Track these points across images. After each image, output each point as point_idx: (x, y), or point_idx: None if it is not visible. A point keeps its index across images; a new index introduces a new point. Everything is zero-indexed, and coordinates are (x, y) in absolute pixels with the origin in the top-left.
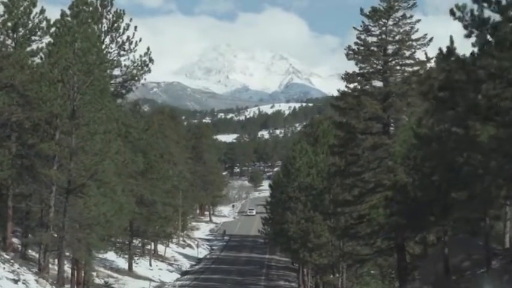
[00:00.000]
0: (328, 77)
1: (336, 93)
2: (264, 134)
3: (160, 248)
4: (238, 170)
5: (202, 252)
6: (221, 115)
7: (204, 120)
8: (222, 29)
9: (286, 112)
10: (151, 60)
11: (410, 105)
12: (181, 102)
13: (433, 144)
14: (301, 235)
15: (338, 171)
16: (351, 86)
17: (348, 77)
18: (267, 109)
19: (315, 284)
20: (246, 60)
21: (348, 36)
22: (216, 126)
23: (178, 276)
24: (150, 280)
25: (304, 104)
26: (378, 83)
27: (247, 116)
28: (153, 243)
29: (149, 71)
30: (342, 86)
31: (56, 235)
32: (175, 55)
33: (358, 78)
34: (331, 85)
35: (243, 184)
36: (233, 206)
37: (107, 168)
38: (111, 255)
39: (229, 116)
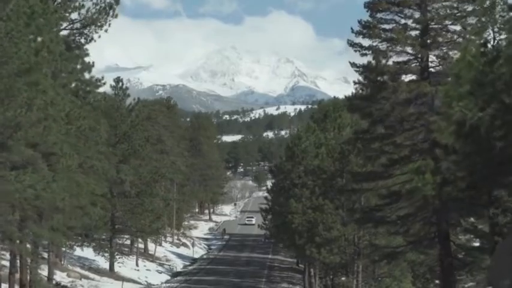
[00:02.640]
0: (334, 80)
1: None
2: (269, 134)
3: (153, 248)
4: (242, 169)
5: (198, 251)
6: (226, 117)
7: None
8: (228, 32)
9: (292, 114)
10: (117, 2)
11: (456, 42)
12: (186, 104)
13: None
14: (307, 227)
15: (359, 134)
16: (378, 16)
17: (373, 5)
18: (272, 111)
19: (324, 286)
20: (252, 63)
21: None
22: (221, 127)
23: (168, 277)
24: (123, 281)
25: (310, 106)
26: (414, 13)
27: (253, 118)
28: (142, 241)
29: (115, 15)
30: (348, 89)
31: None
32: (181, 58)
33: (387, 5)
34: (337, 88)
35: (246, 183)
36: (235, 205)
37: (43, 126)
38: (91, 254)
39: (234, 117)
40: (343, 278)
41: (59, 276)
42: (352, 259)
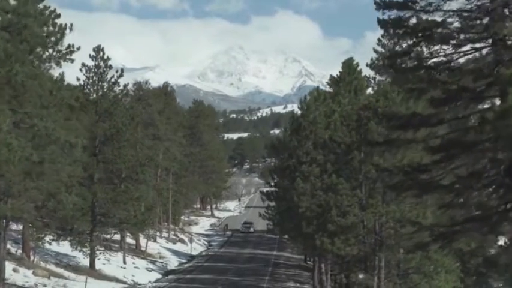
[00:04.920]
0: None
1: None
2: (276, 132)
3: (150, 244)
4: (248, 166)
5: (197, 248)
6: (233, 116)
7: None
8: (235, 32)
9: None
10: None
11: None
12: None
13: None
14: (317, 213)
15: (395, 58)
16: None
17: None
18: (279, 110)
19: (338, 285)
20: (259, 63)
21: (360, 38)
22: (227, 125)
23: (159, 276)
24: (87, 277)
25: None
26: None
27: (259, 117)
28: (132, 236)
29: None
30: None
31: None
32: (188, 58)
33: None
34: None
35: (251, 180)
36: (239, 201)
37: None
38: (69, 249)
39: (241, 116)
40: (360, 276)
41: (22, 275)
42: (373, 251)
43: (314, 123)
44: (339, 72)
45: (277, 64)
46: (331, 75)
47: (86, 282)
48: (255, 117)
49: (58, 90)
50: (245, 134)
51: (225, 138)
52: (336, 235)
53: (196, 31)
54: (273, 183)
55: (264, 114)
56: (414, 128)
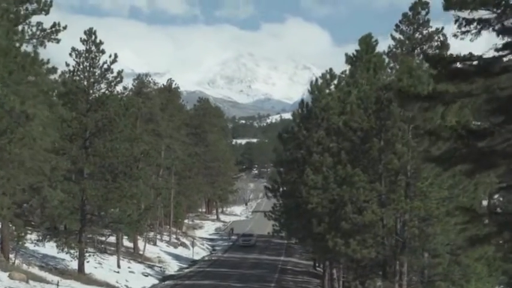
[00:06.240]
0: None
1: None
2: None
3: (149, 248)
4: (256, 171)
5: (200, 253)
6: (242, 122)
7: None
8: (245, 39)
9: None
10: None
11: None
12: None
13: None
14: (330, 209)
15: None
16: None
17: None
18: (289, 116)
19: None
20: (269, 70)
21: None
22: (236, 131)
23: (156, 281)
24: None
25: None
26: None
27: (269, 123)
28: (128, 239)
29: None
30: None
31: None
32: (198, 64)
33: None
34: None
35: (259, 185)
36: (246, 204)
37: None
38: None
39: (250, 122)
40: (379, 283)
41: None
42: (394, 254)
43: (327, 109)
44: (355, 50)
45: (287, 71)
46: (346, 54)
47: (57, 285)
48: (264, 124)
49: (31, 65)
50: (254, 140)
51: (234, 143)
52: (351, 235)
53: (206, 37)
54: (279, 179)
55: (273, 121)
56: (469, 77)
